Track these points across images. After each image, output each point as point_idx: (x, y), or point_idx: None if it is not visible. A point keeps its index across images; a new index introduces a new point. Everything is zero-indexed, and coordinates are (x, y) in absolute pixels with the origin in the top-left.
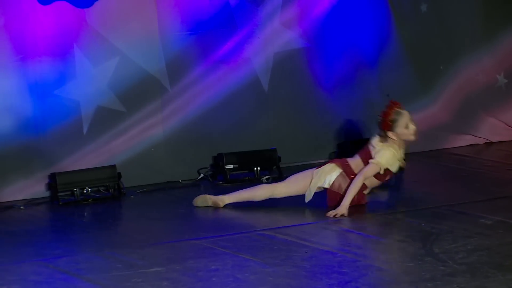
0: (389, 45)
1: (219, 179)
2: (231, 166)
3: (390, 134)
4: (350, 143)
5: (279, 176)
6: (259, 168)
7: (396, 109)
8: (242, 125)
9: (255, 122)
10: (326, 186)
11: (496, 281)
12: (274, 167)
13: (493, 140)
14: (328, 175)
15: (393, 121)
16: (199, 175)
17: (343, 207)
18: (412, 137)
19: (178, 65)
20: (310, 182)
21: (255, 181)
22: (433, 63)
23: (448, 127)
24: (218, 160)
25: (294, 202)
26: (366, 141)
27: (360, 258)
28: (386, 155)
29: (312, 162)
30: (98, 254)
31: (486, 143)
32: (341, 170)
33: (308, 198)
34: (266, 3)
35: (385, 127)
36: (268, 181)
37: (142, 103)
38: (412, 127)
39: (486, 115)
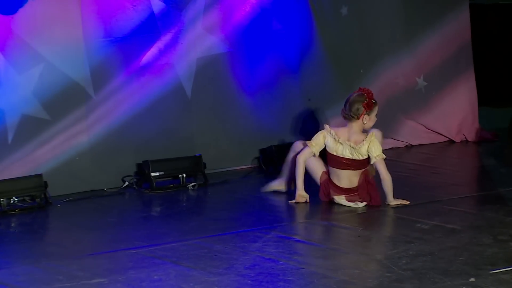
0: (311, 49)
1: (144, 186)
2: (157, 174)
3: (365, 116)
4: (274, 148)
5: (205, 183)
6: (184, 175)
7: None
8: (166, 132)
9: (179, 129)
10: None
11: (445, 287)
12: (200, 173)
13: (413, 143)
14: None
15: (375, 103)
16: (124, 183)
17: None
18: (370, 126)
19: (102, 71)
20: None
21: (180, 188)
22: (354, 67)
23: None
24: (144, 168)
25: (226, 211)
26: (289, 145)
27: (304, 266)
28: (377, 144)
29: (236, 168)
30: (36, 265)
31: (406, 146)
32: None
33: None
34: (189, 9)
35: (368, 107)
36: (194, 188)
37: (66, 111)
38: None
39: (406, 118)
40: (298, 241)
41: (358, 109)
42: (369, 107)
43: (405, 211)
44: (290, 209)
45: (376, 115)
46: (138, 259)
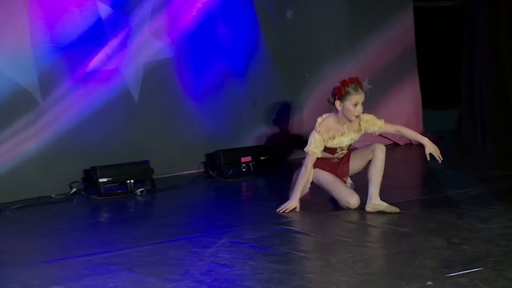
0: (257, 53)
1: (92, 193)
2: (105, 179)
3: (337, 102)
4: (221, 152)
5: (152, 188)
6: (132, 181)
7: (356, 84)
8: (114, 137)
9: (126, 134)
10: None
11: None
12: (147, 179)
13: (358, 147)
14: None
15: (346, 92)
16: (71, 189)
17: (294, 201)
18: (352, 118)
19: (49, 77)
20: None
21: (128, 194)
22: (299, 70)
23: None
24: (91, 174)
25: (176, 216)
26: (236, 150)
27: (259, 271)
28: (311, 141)
29: (183, 173)
30: None
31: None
32: None
33: None
34: (136, 13)
35: (336, 92)
36: (142, 194)
37: (14, 117)
38: (359, 109)
39: None
40: (251, 246)
41: (331, 95)
42: (337, 93)
43: (355, 215)
44: (241, 214)
45: (356, 105)
46: (93, 266)
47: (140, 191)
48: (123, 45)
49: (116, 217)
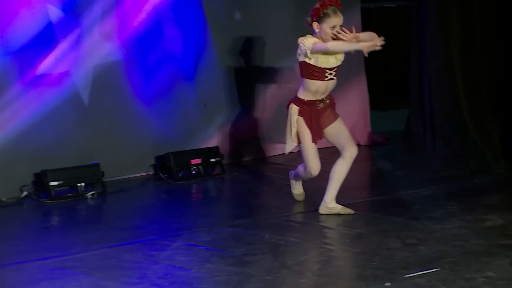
0: (206, 55)
1: (43, 196)
2: (56, 183)
3: (315, 24)
4: (171, 154)
5: (103, 191)
6: (83, 184)
7: (335, 7)
8: (64, 141)
9: (76, 137)
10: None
11: None
12: (98, 182)
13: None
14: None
15: (325, 14)
16: (22, 193)
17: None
18: (328, 40)
19: None
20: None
21: (79, 197)
22: (248, 72)
23: (263, 137)
24: (42, 177)
25: (128, 219)
26: (186, 152)
27: (216, 274)
28: (304, 43)
29: (134, 175)
30: None
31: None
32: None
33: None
34: (86, 16)
35: (314, 14)
36: (93, 197)
37: None
38: (335, 32)
39: None
40: (206, 248)
41: (309, 16)
42: (315, 14)
43: (309, 216)
44: (193, 217)
45: (334, 28)
46: (49, 270)
47: (91, 194)
48: (73, 48)
49: (68, 220)
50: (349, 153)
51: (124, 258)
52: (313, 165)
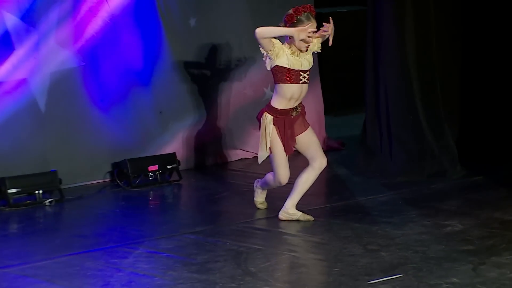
0: (161, 61)
1: (1, 204)
2: (14, 190)
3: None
4: (127, 161)
5: (61, 199)
6: (41, 191)
7: (309, 13)
8: (21, 148)
9: (33, 144)
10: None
11: None
12: (56, 189)
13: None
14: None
15: (298, 20)
16: None
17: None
18: (302, 47)
19: None
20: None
21: (37, 205)
22: (203, 78)
23: (221, 142)
24: (0, 185)
25: (88, 226)
26: (143, 159)
27: (180, 281)
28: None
29: (91, 182)
30: None
31: (254, 156)
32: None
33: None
34: (42, 23)
35: (288, 19)
36: (51, 204)
37: None
38: (309, 40)
39: (254, 129)
40: (169, 256)
41: (282, 22)
42: (289, 20)
43: (270, 223)
44: (153, 224)
45: (312, 35)
46: (11, 279)
47: (49, 202)
48: (29, 55)
49: (28, 228)
50: (319, 164)
51: (87, 265)
52: (283, 173)
